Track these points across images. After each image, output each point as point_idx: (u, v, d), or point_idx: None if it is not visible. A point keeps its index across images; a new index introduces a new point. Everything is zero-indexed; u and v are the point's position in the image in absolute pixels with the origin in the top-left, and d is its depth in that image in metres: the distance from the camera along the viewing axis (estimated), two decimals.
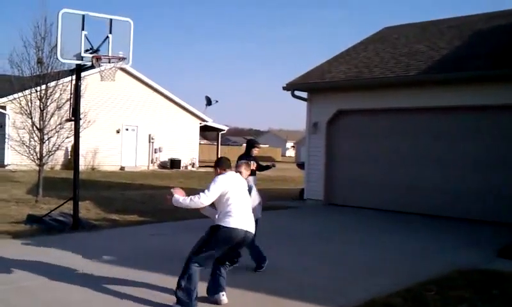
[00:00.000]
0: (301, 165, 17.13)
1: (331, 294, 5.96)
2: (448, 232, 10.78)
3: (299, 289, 6.11)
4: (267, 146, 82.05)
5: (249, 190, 6.02)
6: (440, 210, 12.59)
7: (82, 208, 10.22)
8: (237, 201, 5.31)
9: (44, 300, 5.42)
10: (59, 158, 22.72)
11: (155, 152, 31.31)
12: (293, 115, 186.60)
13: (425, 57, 13.86)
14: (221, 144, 38.78)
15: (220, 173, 5.49)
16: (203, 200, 5.26)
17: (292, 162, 52.25)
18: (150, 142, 31.02)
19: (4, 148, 22.56)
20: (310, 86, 15.35)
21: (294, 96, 15.39)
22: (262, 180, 24.73)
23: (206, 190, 5.28)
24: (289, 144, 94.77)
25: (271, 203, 14.80)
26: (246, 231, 5.27)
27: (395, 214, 12.94)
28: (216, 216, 5.38)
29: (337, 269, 7.27)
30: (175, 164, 31.44)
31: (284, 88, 15.43)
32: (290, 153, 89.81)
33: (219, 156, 37.16)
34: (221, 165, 5.61)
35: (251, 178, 6.96)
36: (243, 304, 5.61)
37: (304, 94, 15.60)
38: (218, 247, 5.21)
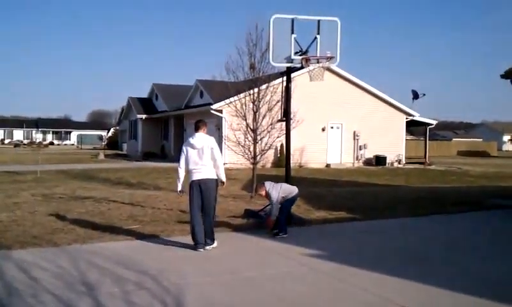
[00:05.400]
0: None
1: None
2: None
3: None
4: (480, 140, 75.86)
5: None
6: None
7: None
8: None
9: (268, 290, 5.74)
10: (269, 156, 24.08)
11: (360, 149, 31.22)
12: (510, 105, 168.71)
13: None
14: (429, 139, 36.92)
15: None
16: None
17: (511, 157, 47.58)
18: (354, 139, 31.06)
19: (222, 148, 24.63)
20: None
21: None
22: (478, 177, 22.99)
23: None
24: (506, 138, 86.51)
25: (492, 201, 13.56)
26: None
27: None
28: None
29: None
30: (380, 160, 30.95)
31: (502, 76, 14.00)
32: (508, 147, 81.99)
33: (427, 152, 35.10)
34: None
35: None
36: (416, 298, 5.23)
37: None
38: None
